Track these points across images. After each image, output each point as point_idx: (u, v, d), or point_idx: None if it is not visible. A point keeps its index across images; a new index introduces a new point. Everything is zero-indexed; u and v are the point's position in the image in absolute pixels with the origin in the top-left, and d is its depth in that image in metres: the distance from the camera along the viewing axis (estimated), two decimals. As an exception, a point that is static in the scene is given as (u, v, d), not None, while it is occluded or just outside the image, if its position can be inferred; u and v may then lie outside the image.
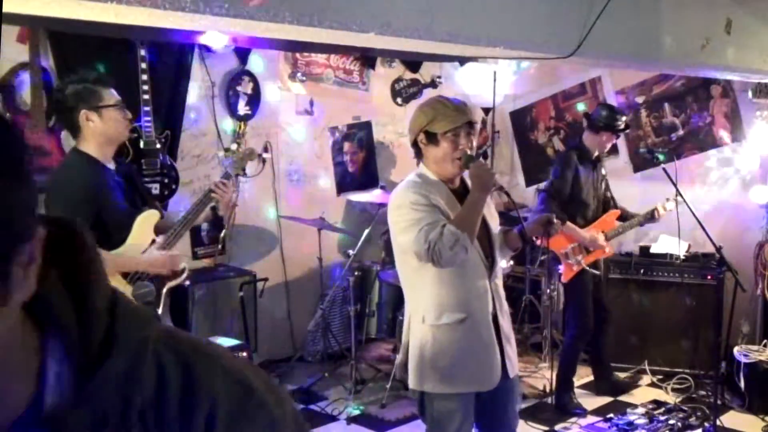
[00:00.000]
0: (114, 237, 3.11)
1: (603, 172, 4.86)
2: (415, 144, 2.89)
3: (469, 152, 2.82)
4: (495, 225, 3.00)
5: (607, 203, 4.94)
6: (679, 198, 4.45)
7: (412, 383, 2.85)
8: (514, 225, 3.15)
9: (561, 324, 6.09)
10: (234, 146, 3.57)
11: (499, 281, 2.97)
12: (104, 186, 3.10)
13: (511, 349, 2.95)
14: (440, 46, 3.47)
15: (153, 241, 3.22)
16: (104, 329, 0.75)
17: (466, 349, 2.79)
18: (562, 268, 4.80)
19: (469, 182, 2.93)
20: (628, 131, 4.88)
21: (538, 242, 3.63)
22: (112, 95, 3.18)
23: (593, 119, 4.77)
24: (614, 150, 6.09)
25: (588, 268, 4.74)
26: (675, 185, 4.33)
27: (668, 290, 5.41)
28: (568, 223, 4.58)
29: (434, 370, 2.79)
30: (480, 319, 2.82)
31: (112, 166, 3.22)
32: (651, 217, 4.79)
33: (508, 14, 3.42)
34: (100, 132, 3.13)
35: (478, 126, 2.93)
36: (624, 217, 4.90)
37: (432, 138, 2.80)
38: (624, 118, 4.76)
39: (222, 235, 5.09)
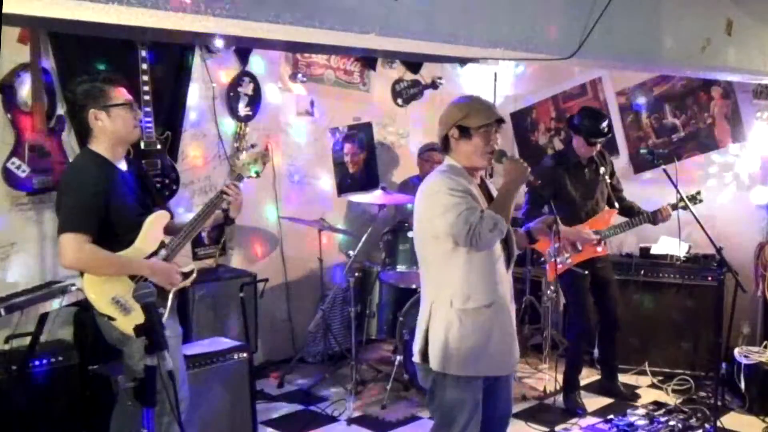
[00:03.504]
0: (123, 237, 3.11)
1: (602, 171, 4.82)
2: (445, 138, 3.00)
3: (498, 148, 2.97)
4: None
5: (611, 203, 4.91)
6: (679, 198, 4.45)
7: (434, 365, 2.91)
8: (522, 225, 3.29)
9: (561, 325, 6.10)
10: (248, 149, 3.58)
11: (511, 275, 3.11)
12: (114, 186, 3.09)
13: (514, 341, 3.10)
14: (441, 47, 3.47)
15: (162, 243, 3.22)
16: None
17: (490, 333, 2.92)
18: (547, 266, 4.84)
19: (487, 180, 3.14)
20: (602, 140, 4.75)
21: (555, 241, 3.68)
22: (121, 94, 3.18)
23: (572, 125, 4.80)
24: (615, 151, 6.09)
25: (575, 268, 4.74)
26: (675, 186, 4.33)
27: (669, 291, 5.41)
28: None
29: (459, 353, 2.88)
30: (503, 305, 2.98)
31: (123, 166, 3.21)
32: (653, 218, 4.76)
33: (509, 15, 3.42)
34: (110, 131, 3.13)
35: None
36: (632, 214, 4.87)
37: (465, 132, 2.93)
38: (603, 124, 4.71)
39: (223, 239, 5.10)
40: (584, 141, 4.70)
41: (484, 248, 2.84)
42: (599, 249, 4.78)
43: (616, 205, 4.90)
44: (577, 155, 4.77)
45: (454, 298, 2.89)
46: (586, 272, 4.75)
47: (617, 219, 4.91)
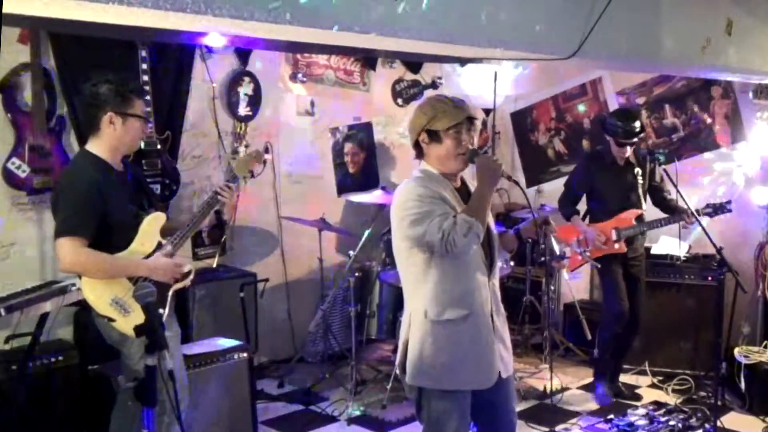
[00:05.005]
0: (120, 239, 3.11)
1: (636, 171, 4.80)
2: (416, 144, 2.88)
3: (471, 147, 2.83)
4: (492, 226, 2.99)
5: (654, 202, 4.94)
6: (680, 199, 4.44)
7: (409, 379, 2.83)
8: (513, 226, 3.17)
9: (561, 325, 6.10)
10: (242, 149, 3.57)
11: (497, 281, 2.96)
12: (111, 188, 3.09)
13: (505, 350, 2.93)
14: (441, 47, 3.47)
15: (159, 244, 3.22)
16: None
17: (466, 345, 2.80)
18: (568, 256, 4.94)
19: (468, 181, 2.97)
20: (638, 139, 4.76)
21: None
22: (141, 107, 3.20)
23: (603, 126, 4.86)
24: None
25: (593, 262, 4.86)
26: (675, 186, 4.33)
27: (669, 291, 5.41)
28: (575, 217, 4.90)
29: (434, 367, 2.79)
30: (481, 316, 2.82)
31: (119, 168, 3.22)
32: (678, 218, 4.68)
33: (509, 15, 3.42)
34: (118, 137, 3.13)
35: (479, 122, 2.87)
36: (671, 211, 4.81)
37: (434, 136, 2.80)
38: (635, 124, 4.72)
39: (223, 239, 5.10)
40: (614, 142, 4.76)
41: (460, 254, 2.70)
42: (616, 246, 4.82)
43: (644, 206, 4.87)
44: (612, 155, 4.82)
45: (429, 309, 2.79)
46: (600, 265, 4.86)
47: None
